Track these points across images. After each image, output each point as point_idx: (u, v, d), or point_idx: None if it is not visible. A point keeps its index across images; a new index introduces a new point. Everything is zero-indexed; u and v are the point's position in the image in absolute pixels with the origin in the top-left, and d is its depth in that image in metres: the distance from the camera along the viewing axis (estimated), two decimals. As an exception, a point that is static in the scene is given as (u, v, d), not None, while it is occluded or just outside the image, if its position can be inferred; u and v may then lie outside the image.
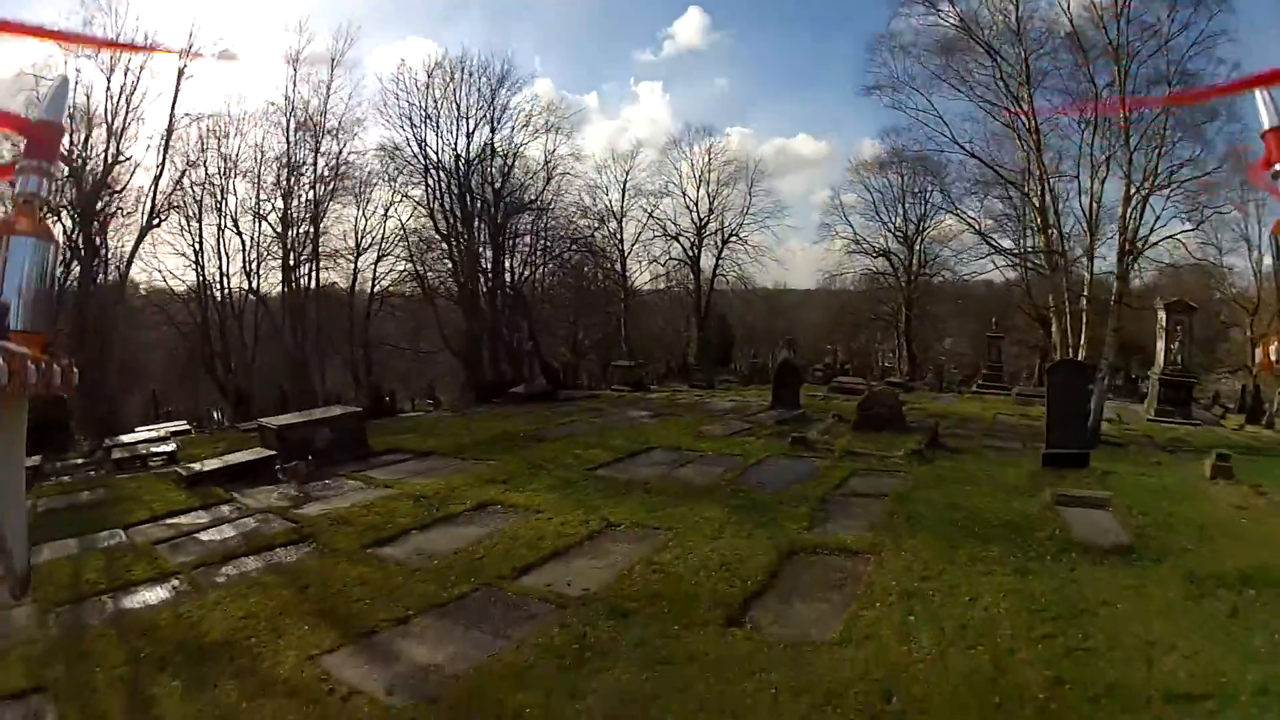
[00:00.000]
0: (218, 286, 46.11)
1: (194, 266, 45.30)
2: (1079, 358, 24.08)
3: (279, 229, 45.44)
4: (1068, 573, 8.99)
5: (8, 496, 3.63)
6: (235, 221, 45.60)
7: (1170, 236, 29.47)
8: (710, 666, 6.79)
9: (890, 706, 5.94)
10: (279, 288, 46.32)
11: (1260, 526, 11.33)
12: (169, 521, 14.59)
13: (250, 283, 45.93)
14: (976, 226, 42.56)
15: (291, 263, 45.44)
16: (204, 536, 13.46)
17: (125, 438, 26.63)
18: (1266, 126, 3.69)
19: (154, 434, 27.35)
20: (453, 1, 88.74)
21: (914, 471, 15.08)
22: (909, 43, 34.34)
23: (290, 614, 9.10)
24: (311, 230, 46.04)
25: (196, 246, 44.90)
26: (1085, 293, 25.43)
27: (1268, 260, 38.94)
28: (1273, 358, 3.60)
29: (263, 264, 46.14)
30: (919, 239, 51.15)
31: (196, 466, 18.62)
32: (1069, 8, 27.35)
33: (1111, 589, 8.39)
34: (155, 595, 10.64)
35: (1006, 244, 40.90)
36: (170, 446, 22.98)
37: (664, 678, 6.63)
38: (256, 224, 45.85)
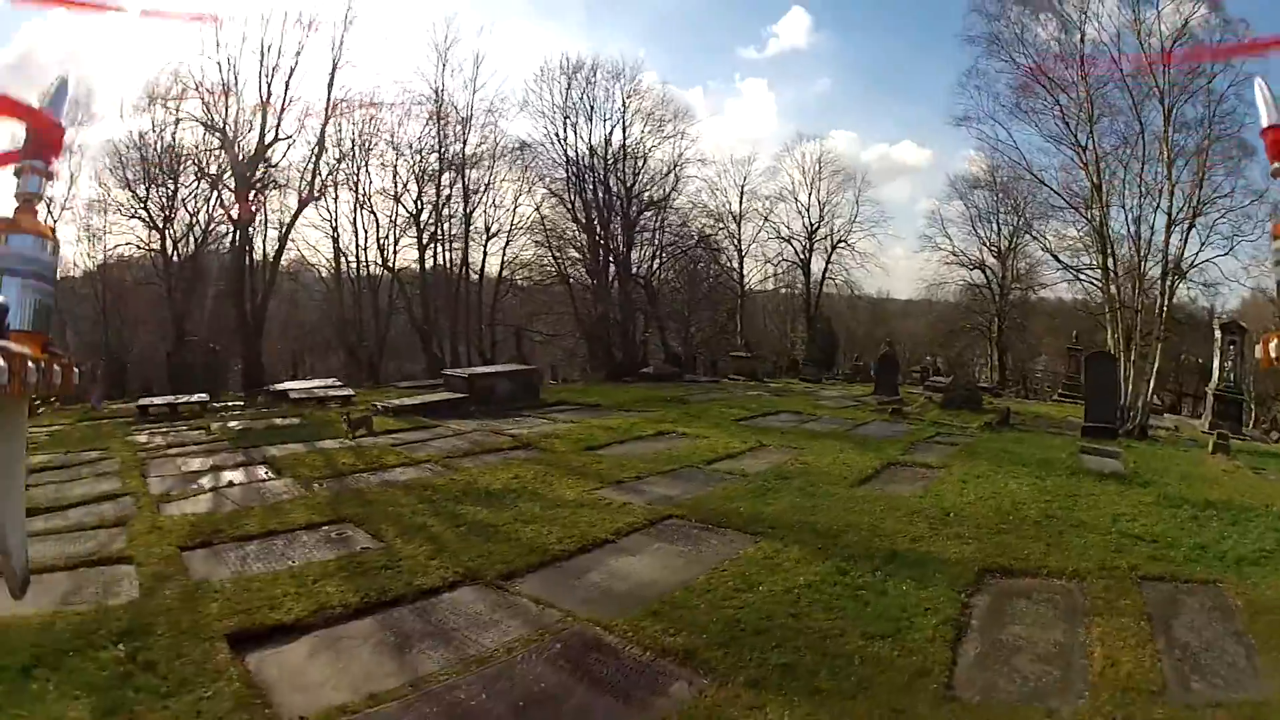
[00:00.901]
0: (352, 260, 48.39)
1: (330, 239, 47.74)
2: (1130, 360, 26.93)
3: (413, 210, 47.80)
4: (1071, 481, 13.30)
5: (8, 497, 3.70)
6: (370, 200, 47.80)
7: (1207, 260, 31.85)
8: (842, 499, 11.20)
9: (948, 519, 10.13)
10: (413, 265, 48.85)
11: (1236, 482, 14.63)
12: (392, 436, 17.94)
13: (384, 258, 48.18)
14: (1045, 245, 44.56)
15: (424, 242, 47.98)
16: (434, 444, 16.84)
17: (291, 384, 30.16)
18: (1266, 124, 3.76)
19: (318, 383, 30.66)
20: None
21: (982, 435, 19.28)
22: (990, 81, 37.80)
23: (550, 476, 12.91)
24: (446, 212, 48.42)
25: (333, 222, 47.43)
26: (1137, 307, 28.33)
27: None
28: (1273, 354, 3.65)
29: (397, 243, 48.42)
30: (1011, 255, 52.59)
31: (395, 403, 22.22)
32: (1119, 55, 30.20)
33: (1100, 490, 12.57)
34: (412, 474, 13.83)
35: (1083, 261, 41.53)
36: (347, 391, 26.42)
37: (815, 501, 11.00)
38: (395, 206, 47.75)
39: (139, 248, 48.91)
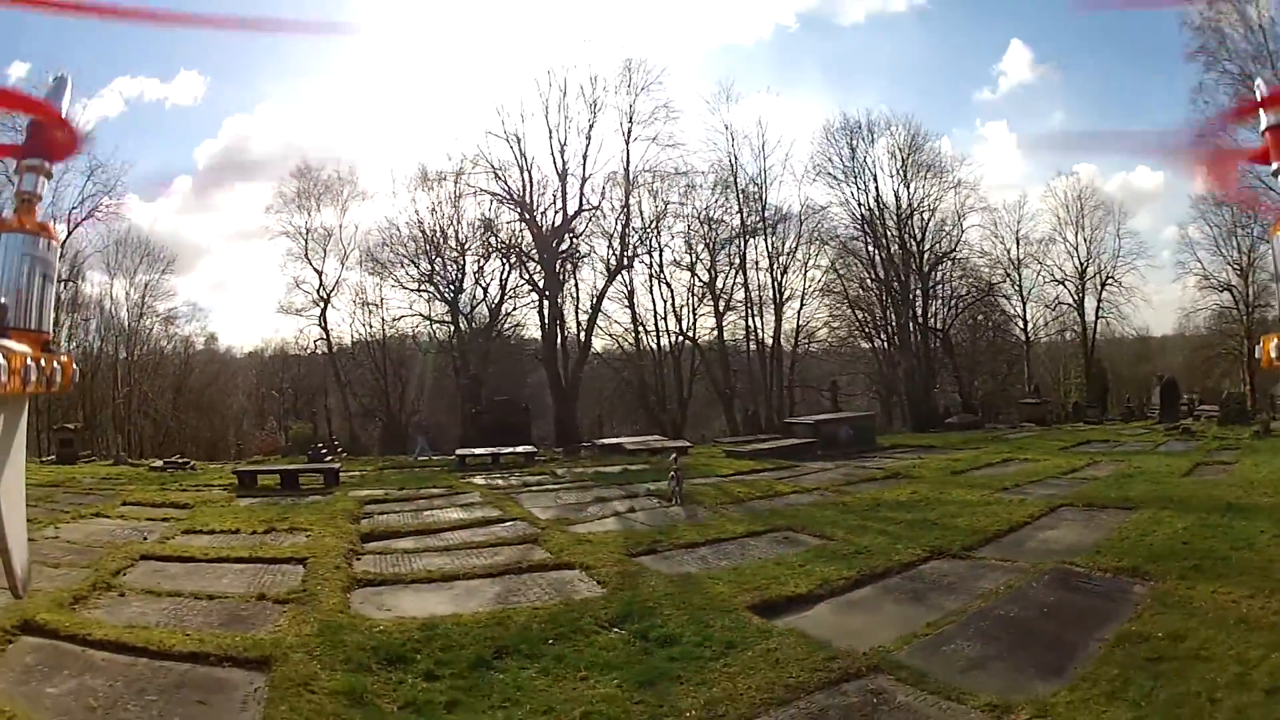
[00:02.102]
0: (648, 331, 51.02)
1: (627, 309, 50.59)
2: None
3: (707, 279, 50.08)
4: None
5: (8, 496, 3.84)
6: (663, 271, 50.43)
7: None
8: (1176, 484, 16.39)
9: (1253, 485, 15.35)
10: (710, 333, 50.79)
11: None
12: (760, 475, 20.66)
13: (681, 327, 50.61)
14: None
15: (721, 309, 50.11)
16: (809, 478, 19.86)
17: (623, 439, 32.90)
18: (1265, 125, 4.15)
19: (650, 437, 33.65)
20: (788, 59, 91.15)
21: (1253, 441, 24.00)
22: (1212, 92, 39.73)
23: (943, 490, 16.49)
24: (740, 279, 50.45)
25: (629, 293, 50.31)
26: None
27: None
28: (1273, 354, 3.87)
29: (695, 311, 50.76)
30: (1251, 270, 50.28)
31: (749, 448, 25.33)
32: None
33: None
34: (810, 498, 16.53)
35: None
36: (683, 443, 29.56)
37: (1160, 487, 15.76)
38: (691, 276, 50.39)
39: (424, 318, 52.47)
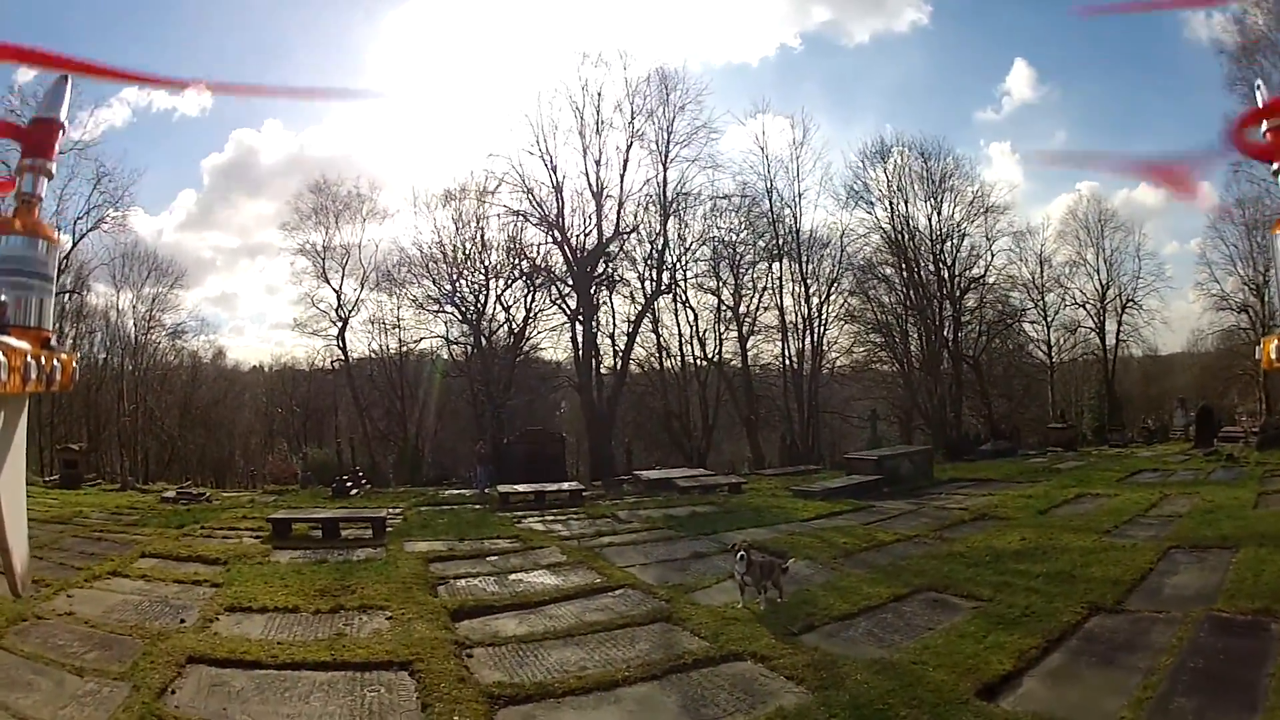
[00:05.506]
0: (671, 356, 51.74)
1: (652, 334, 51.09)
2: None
3: (732, 303, 50.72)
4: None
5: (9, 494, 3.79)
6: (686, 295, 51.11)
7: None
8: (1254, 518, 17.45)
9: None
10: (733, 359, 51.38)
11: None
12: (843, 520, 20.23)
13: (705, 352, 51.13)
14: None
15: (744, 333, 50.84)
16: (897, 522, 19.49)
17: (670, 472, 32.60)
18: (1266, 126, 4.10)
19: (699, 472, 33.46)
20: (789, 74, 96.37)
21: None
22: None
23: (1049, 534, 16.53)
24: (762, 303, 51.31)
25: (654, 317, 50.74)
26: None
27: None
28: (1273, 355, 3.93)
29: (717, 335, 51.35)
30: (1266, 289, 50.01)
31: (817, 488, 25.34)
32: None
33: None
34: (917, 548, 16.15)
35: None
36: (735, 479, 29.49)
37: (1242, 523, 16.49)
38: (717, 300, 51.10)
39: (446, 340, 53.31)
